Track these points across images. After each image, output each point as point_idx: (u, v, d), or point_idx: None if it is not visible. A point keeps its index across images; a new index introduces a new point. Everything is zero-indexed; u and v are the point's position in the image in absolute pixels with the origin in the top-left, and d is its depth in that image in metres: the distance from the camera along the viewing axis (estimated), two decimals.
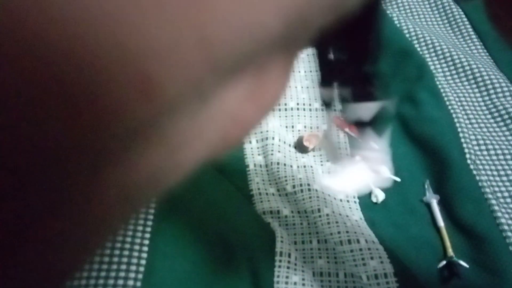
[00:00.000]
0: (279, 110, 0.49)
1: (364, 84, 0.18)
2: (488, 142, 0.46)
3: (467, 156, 0.44)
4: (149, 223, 0.39)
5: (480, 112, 0.50)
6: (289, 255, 0.36)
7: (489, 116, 0.49)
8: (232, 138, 0.11)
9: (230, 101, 0.10)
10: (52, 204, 0.07)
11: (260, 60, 0.10)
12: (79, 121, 0.07)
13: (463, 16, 0.59)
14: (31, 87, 0.06)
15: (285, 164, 0.43)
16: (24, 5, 0.06)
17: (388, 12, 0.59)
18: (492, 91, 0.51)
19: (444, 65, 0.54)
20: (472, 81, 0.52)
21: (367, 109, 0.19)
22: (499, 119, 0.49)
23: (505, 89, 0.50)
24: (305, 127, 0.48)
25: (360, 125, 0.20)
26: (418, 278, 0.36)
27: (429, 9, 0.62)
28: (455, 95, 0.51)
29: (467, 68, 0.53)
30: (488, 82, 0.51)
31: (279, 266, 0.36)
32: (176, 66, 0.07)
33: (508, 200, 0.42)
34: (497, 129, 0.48)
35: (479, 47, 0.56)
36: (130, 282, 0.35)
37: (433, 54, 0.55)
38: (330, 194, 0.41)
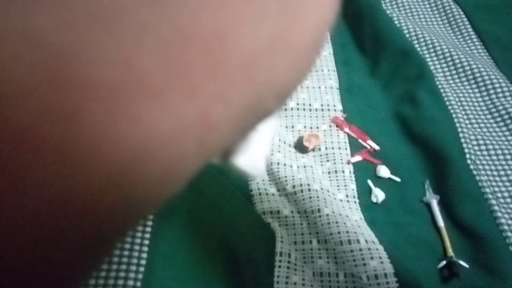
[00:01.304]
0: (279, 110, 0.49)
1: None
2: (488, 142, 0.46)
3: (467, 156, 0.44)
4: (149, 223, 0.39)
5: (480, 112, 0.50)
6: (289, 255, 0.36)
7: (489, 116, 0.49)
8: None
9: None
10: None
11: None
12: None
13: (463, 16, 0.59)
14: None
15: (285, 164, 0.43)
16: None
17: (388, 12, 0.59)
18: (492, 91, 0.51)
19: (444, 65, 0.54)
20: (472, 81, 0.52)
21: None
22: (499, 119, 0.49)
23: (505, 89, 0.50)
24: (305, 127, 0.48)
25: None
26: (418, 278, 0.36)
27: (429, 9, 0.62)
28: (455, 95, 0.51)
29: (467, 68, 0.53)
30: (488, 82, 0.51)
31: (279, 266, 0.36)
32: None
33: (508, 200, 0.42)
34: (497, 129, 0.48)
35: (479, 47, 0.56)
36: (130, 282, 0.35)
37: (433, 54, 0.55)
38: (330, 195, 0.41)
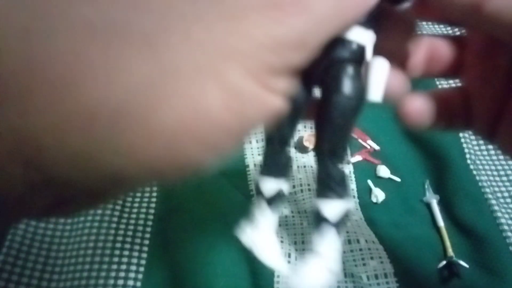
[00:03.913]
0: None
1: (330, 180, 0.18)
2: (488, 142, 0.46)
3: (467, 156, 0.44)
4: (149, 223, 0.39)
5: None
6: (289, 255, 0.36)
7: None
8: None
9: None
10: None
11: None
12: None
13: None
14: None
15: None
16: None
17: None
18: None
19: None
20: None
21: (332, 208, 0.18)
22: None
23: None
24: (305, 127, 0.48)
25: (320, 221, 0.18)
26: (418, 278, 0.36)
27: None
28: None
29: None
30: None
31: None
32: None
33: (508, 200, 0.42)
34: None
35: None
36: (130, 282, 0.35)
37: None
38: None
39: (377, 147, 0.46)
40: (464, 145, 0.45)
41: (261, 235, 0.21)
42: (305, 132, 0.47)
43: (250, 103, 0.13)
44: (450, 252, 0.38)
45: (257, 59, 0.13)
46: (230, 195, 0.41)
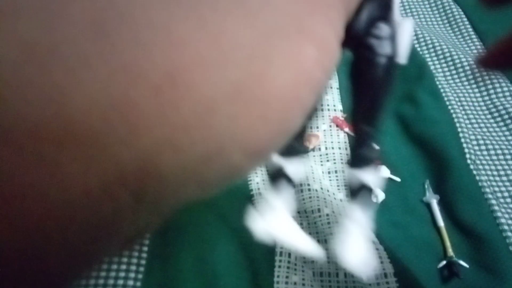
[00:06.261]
0: None
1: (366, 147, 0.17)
2: (488, 142, 0.46)
3: (467, 156, 0.44)
4: None
5: (480, 112, 0.50)
6: (289, 255, 0.36)
7: (489, 116, 0.49)
8: None
9: None
10: None
11: None
12: None
13: (463, 16, 0.59)
14: None
15: None
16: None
17: None
18: (492, 91, 0.51)
19: (444, 65, 0.54)
20: (472, 81, 0.52)
21: (370, 173, 0.17)
22: (499, 119, 0.49)
23: (505, 89, 0.50)
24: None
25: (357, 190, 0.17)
26: (418, 278, 0.36)
27: (429, 9, 0.62)
28: (455, 95, 0.51)
29: (467, 68, 0.53)
30: (488, 82, 0.51)
31: (279, 266, 0.36)
32: None
33: (508, 200, 0.42)
34: (497, 129, 0.48)
35: (479, 47, 0.56)
36: (130, 282, 0.35)
37: (433, 54, 0.55)
38: (330, 195, 0.41)
39: (377, 147, 0.46)
40: (464, 145, 0.45)
41: (280, 219, 0.20)
42: None
43: (333, 54, 0.12)
44: (450, 252, 0.38)
45: (336, 7, 0.12)
46: (230, 195, 0.41)
